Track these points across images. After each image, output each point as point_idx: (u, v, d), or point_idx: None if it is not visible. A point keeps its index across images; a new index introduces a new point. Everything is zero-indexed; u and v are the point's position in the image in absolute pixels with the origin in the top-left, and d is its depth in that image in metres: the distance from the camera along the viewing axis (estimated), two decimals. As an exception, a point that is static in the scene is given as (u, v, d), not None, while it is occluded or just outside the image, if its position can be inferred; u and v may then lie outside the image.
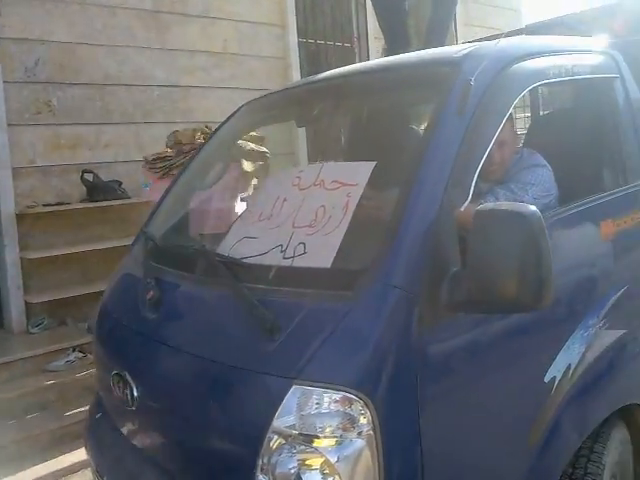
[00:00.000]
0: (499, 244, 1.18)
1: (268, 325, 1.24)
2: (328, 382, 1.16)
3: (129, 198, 4.64)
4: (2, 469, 3.00)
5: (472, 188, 1.38)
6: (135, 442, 1.60)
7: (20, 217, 4.18)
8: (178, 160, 3.65)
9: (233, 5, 5.49)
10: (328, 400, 1.16)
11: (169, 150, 3.91)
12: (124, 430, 1.67)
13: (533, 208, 1.21)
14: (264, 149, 3.59)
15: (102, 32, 4.68)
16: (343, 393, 1.15)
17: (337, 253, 1.30)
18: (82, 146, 4.63)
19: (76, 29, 4.54)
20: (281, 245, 1.43)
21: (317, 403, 1.16)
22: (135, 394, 1.51)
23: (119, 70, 4.78)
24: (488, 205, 1.26)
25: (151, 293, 1.58)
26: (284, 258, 1.40)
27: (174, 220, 2.09)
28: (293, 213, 1.48)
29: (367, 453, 1.15)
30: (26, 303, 4.29)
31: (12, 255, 4.17)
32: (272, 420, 1.17)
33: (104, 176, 4.60)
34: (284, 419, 1.17)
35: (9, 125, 4.21)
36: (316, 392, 1.16)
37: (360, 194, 1.36)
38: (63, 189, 4.53)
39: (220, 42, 5.43)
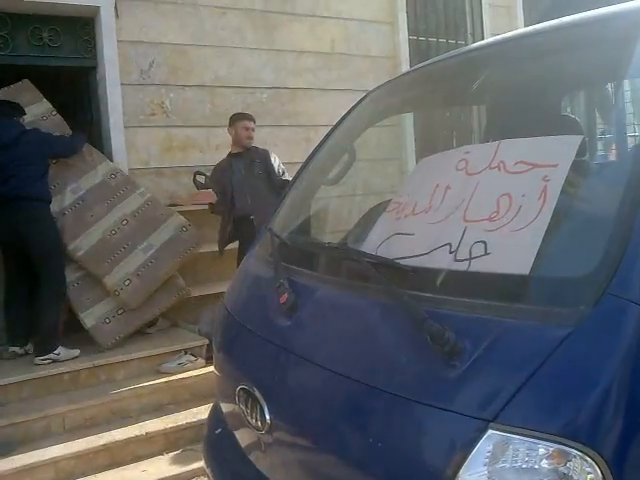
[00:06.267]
0: None
1: (446, 346, 0.96)
2: (536, 429, 0.87)
3: (238, 201, 4.57)
4: (118, 467, 2.97)
5: None
6: (264, 471, 1.38)
7: (134, 218, 4.24)
8: None
9: (341, 3, 5.31)
10: (536, 453, 0.86)
11: None
12: (250, 455, 1.45)
13: None
14: None
15: (212, 33, 4.66)
16: (558, 445, 0.85)
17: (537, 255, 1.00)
18: (193, 148, 4.63)
19: (187, 31, 4.55)
20: (449, 244, 1.14)
21: (520, 456, 0.87)
22: (267, 416, 1.29)
23: (228, 72, 4.75)
24: None
25: (285, 296, 1.36)
26: (456, 260, 1.11)
27: (301, 217, 1.88)
28: (462, 204, 1.19)
29: None
30: (142, 303, 4.34)
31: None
32: (458, 472, 0.89)
33: (214, 178, 4.57)
34: (474, 473, 0.89)
35: (125, 127, 4.29)
36: (519, 442, 0.87)
37: (564, 178, 1.04)
38: (175, 191, 4.55)
39: (328, 42, 5.26)
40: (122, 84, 4.28)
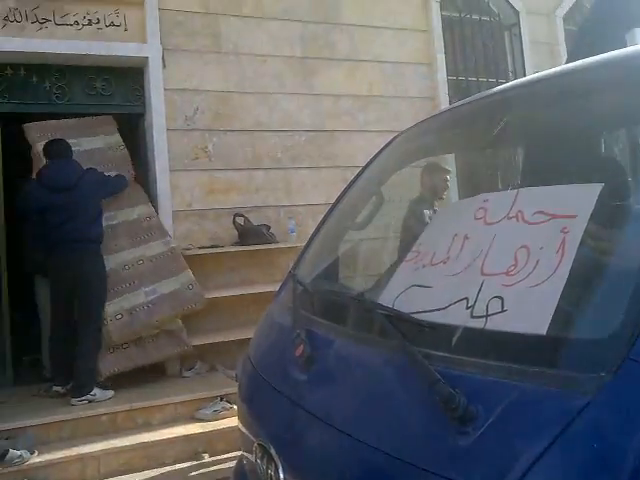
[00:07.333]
0: None
1: (457, 412, 0.90)
2: None
3: (277, 243, 4.61)
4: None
5: None
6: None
7: (178, 260, 4.31)
8: None
9: (378, 47, 5.38)
10: None
11: None
12: (267, 513, 1.40)
13: None
14: None
15: (253, 80, 4.80)
16: None
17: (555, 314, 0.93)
18: (234, 191, 4.73)
19: (230, 78, 4.71)
20: (467, 298, 1.09)
21: None
22: (281, 476, 1.24)
23: (269, 116, 4.86)
24: None
25: (301, 349, 1.33)
26: (472, 317, 1.06)
27: (325, 263, 1.85)
28: (480, 256, 1.14)
29: None
30: (180, 346, 4.35)
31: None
32: None
33: (254, 220, 4.64)
34: None
35: (170, 171, 4.44)
36: None
37: (583, 230, 0.99)
38: (216, 232, 4.62)
39: (365, 85, 5.32)
40: (168, 129, 4.46)
